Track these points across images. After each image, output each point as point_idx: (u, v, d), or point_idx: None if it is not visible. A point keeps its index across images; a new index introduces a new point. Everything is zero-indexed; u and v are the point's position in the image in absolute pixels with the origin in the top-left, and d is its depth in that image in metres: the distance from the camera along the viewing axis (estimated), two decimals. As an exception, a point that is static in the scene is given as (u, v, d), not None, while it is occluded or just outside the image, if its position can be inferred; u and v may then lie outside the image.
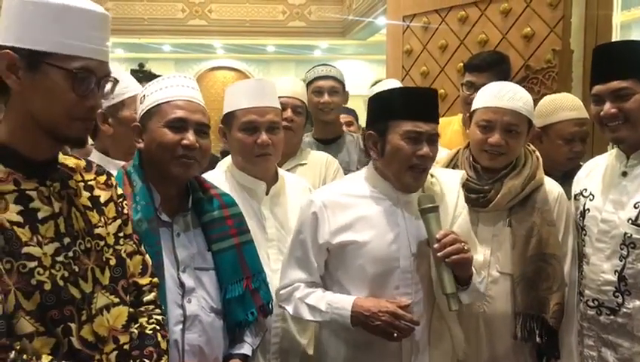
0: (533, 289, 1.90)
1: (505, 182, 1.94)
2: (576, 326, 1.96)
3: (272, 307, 1.82)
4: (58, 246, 1.25)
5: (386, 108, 1.78)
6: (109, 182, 1.46)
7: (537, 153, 2.07)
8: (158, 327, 1.46)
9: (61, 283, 1.23)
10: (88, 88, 1.24)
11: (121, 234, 1.43)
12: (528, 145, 2.08)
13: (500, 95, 1.95)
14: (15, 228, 1.19)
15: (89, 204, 1.37)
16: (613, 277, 1.82)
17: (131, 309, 1.42)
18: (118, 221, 1.43)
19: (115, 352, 1.34)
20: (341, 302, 1.74)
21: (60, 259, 1.24)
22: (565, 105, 2.38)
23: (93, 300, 1.30)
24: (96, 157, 2.24)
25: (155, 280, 1.52)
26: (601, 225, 1.88)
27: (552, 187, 2.02)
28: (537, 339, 1.89)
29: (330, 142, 3.01)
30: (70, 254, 1.27)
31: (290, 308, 1.83)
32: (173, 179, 1.68)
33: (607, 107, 1.80)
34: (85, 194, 1.37)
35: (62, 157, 1.35)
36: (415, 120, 1.70)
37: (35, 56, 1.19)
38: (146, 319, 1.46)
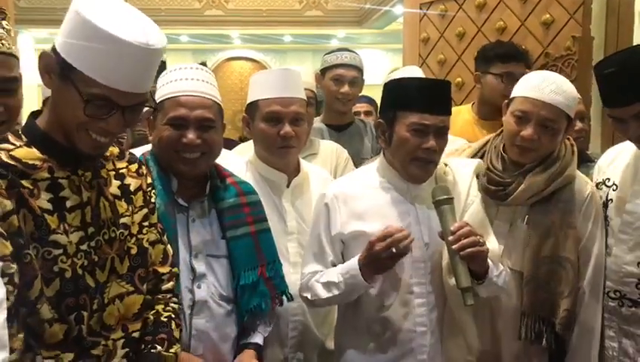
0: (544, 291, 1.82)
1: (528, 177, 1.84)
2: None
3: (291, 295, 1.80)
4: (82, 236, 1.27)
5: (395, 97, 1.76)
6: (140, 170, 1.47)
7: (575, 148, 1.93)
8: (173, 315, 1.47)
9: (80, 271, 1.25)
10: (102, 114, 1.22)
11: (146, 223, 1.44)
12: (568, 139, 1.94)
13: (542, 86, 1.80)
14: (45, 215, 1.21)
15: (118, 192, 1.38)
16: (636, 269, 1.79)
17: (148, 297, 1.43)
18: (145, 210, 1.45)
19: (123, 340, 1.35)
20: (347, 265, 1.72)
21: (83, 247, 1.27)
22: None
23: (105, 289, 1.31)
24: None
25: (175, 269, 1.53)
26: (625, 217, 1.84)
27: (583, 187, 1.88)
28: (544, 343, 1.81)
29: (342, 128, 2.97)
30: (92, 244, 1.29)
31: (309, 295, 1.81)
32: (181, 175, 1.68)
33: (634, 130, 1.72)
34: (115, 182, 1.39)
35: None
36: (422, 112, 1.67)
37: (65, 66, 1.20)
38: (162, 306, 1.47)
